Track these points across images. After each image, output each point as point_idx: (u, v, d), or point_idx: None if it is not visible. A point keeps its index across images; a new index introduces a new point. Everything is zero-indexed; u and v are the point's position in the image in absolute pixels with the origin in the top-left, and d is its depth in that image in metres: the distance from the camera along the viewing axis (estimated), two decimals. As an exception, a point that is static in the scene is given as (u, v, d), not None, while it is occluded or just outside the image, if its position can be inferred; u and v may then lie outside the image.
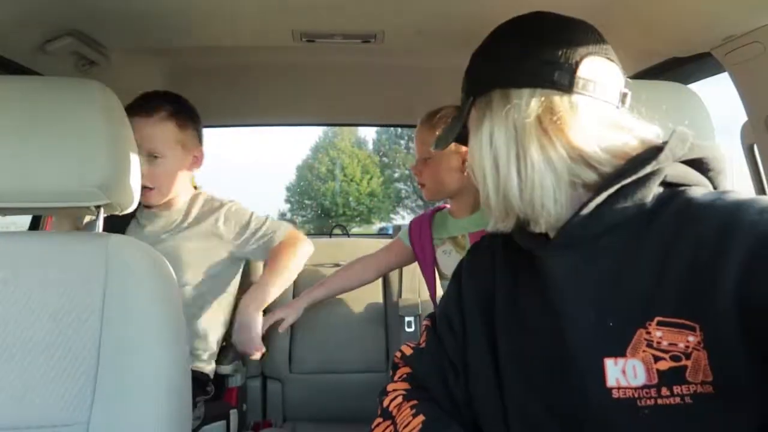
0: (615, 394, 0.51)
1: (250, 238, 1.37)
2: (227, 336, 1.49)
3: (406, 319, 1.77)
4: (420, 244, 1.37)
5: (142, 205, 1.31)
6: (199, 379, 1.30)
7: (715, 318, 0.47)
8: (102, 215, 0.85)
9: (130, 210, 0.89)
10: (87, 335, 0.74)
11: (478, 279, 0.69)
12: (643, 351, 0.50)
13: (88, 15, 1.00)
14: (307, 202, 26.48)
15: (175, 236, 1.30)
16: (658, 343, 0.50)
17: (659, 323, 0.50)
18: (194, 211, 1.35)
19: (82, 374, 0.73)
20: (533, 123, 0.55)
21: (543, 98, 0.56)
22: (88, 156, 0.77)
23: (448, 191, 1.27)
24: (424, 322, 0.76)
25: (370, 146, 27.01)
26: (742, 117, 1.03)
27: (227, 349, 1.59)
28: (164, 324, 0.77)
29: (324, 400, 1.76)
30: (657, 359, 0.50)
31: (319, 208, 25.70)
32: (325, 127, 24.66)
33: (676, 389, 0.49)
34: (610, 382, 0.51)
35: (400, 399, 0.68)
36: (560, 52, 0.56)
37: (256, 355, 1.32)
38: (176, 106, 1.30)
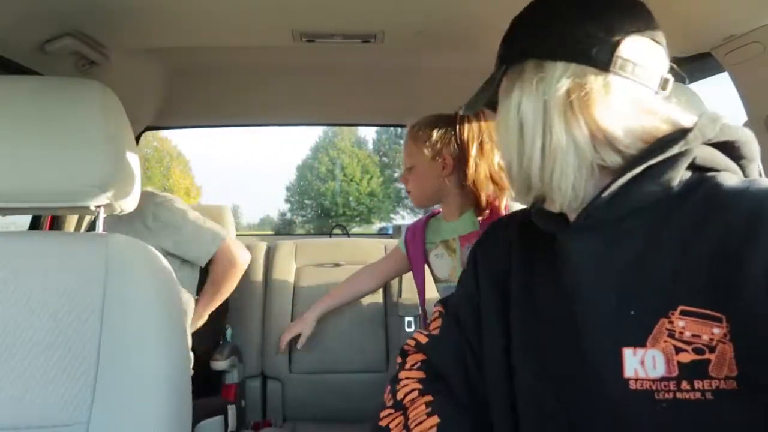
0: (632, 385, 0.49)
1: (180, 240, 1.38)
2: (223, 333, 1.51)
3: (406, 319, 1.77)
4: (413, 248, 1.41)
5: None
6: None
7: (743, 309, 0.45)
8: (102, 215, 0.85)
9: (130, 210, 0.89)
10: (87, 335, 0.74)
11: (493, 263, 0.67)
12: (664, 341, 0.48)
13: (88, 15, 1.00)
14: (307, 202, 26.48)
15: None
16: (681, 333, 0.48)
17: (683, 312, 0.48)
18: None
19: (82, 374, 0.73)
20: (562, 98, 0.53)
21: (577, 73, 0.53)
22: (88, 156, 0.77)
23: (432, 197, 1.31)
24: (436, 308, 0.74)
25: (370, 146, 27.02)
26: (742, 117, 1.03)
27: (223, 345, 1.59)
28: (164, 324, 0.77)
29: (324, 400, 1.76)
30: (678, 351, 0.47)
31: (319, 208, 25.70)
32: (325, 127, 24.66)
33: (697, 384, 0.46)
34: (628, 372, 0.49)
35: (415, 393, 0.65)
36: (602, 28, 0.54)
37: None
38: None
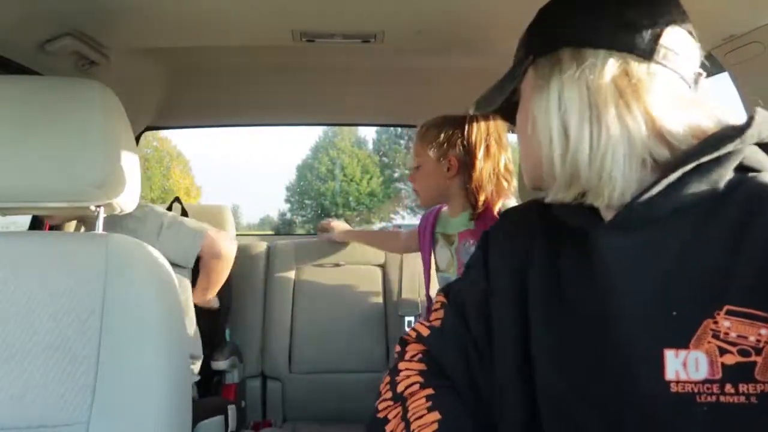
0: (673, 388, 0.47)
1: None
2: (223, 333, 1.52)
3: (406, 319, 1.77)
4: (422, 236, 1.45)
5: None
6: None
7: None
8: (102, 215, 0.85)
9: (130, 210, 0.89)
10: (87, 335, 0.74)
11: (510, 254, 0.64)
12: (708, 342, 0.46)
13: (88, 15, 1.00)
14: (307, 202, 26.48)
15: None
16: (726, 334, 0.46)
17: (728, 312, 0.46)
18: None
19: (82, 374, 0.73)
20: (610, 86, 0.51)
21: (620, 61, 0.51)
22: (88, 156, 0.77)
23: (438, 197, 1.34)
24: (438, 298, 0.71)
25: (370, 146, 27.01)
26: (742, 117, 1.03)
27: (223, 345, 1.59)
28: (164, 324, 0.77)
29: (324, 400, 1.76)
30: (723, 352, 0.46)
31: (319, 208, 25.70)
32: (325, 127, 24.66)
33: (742, 387, 0.45)
34: (669, 375, 0.47)
35: (416, 386, 0.63)
36: (644, 15, 0.52)
37: None
38: None
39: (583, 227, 0.55)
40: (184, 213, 1.65)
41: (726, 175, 0.49)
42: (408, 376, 0.65)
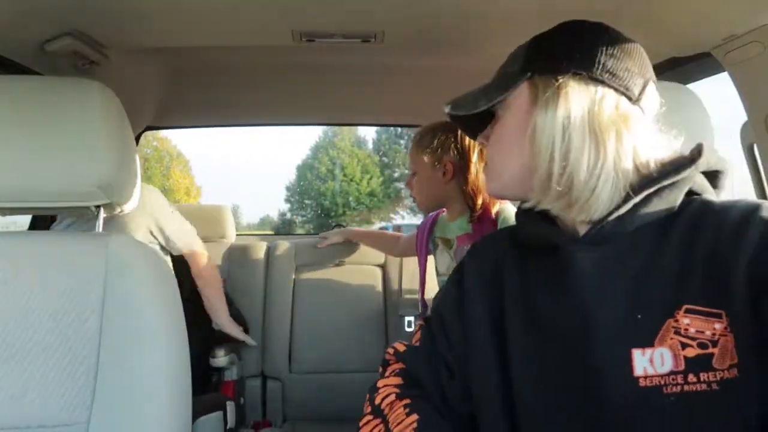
0: (642, 382, 0.53)
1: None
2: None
3: (406, 318, 1.77)
4: (420, 239, 1.48)
5: None
6: None
7: (736, 302, 0.51)
8: (102, 215, 0.85)
9: (130, 210, 0.89)
10: (87, 335, 0.74)
11: (484, 278, 0.69)
12: (671, 338, 0.53)
13: (88, 15, 1.00)
14: (307, 201, 26.47)
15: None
16: (686, 330, 0.52)
17: (687, 311, 0.53)
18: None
19: (82, 374, 0.73)
20: (609, 117, 0.57)
21: (616, 97, 0.58)
22: (88, 156, 0.77)
23: (435, 201, 1.35)
24: (418, 323, 0.77)
25: (370, 146, 27.00)
26: (742, 117, 1.03)
27: (222, 342, 1.59)
28: (164, 324, 0.77)
29: (324, 400, 1.76)
30: (684, 346, 0.52)
31: (319, 208, 25.70)
32: (325, 127, 24.65)
33: (703, 376, 0.51)
34: (638, 371, 0.53)
35: (392, 397, 0.67)
36: (638, 65, 0.60)
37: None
38: None
39: (556, 243, 0.62)
40: None
41: (680, 196, 0.58)
42: (387, 393, 0.69)
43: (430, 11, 1.03)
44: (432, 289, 1.53)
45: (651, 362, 0.53)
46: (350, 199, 25.16)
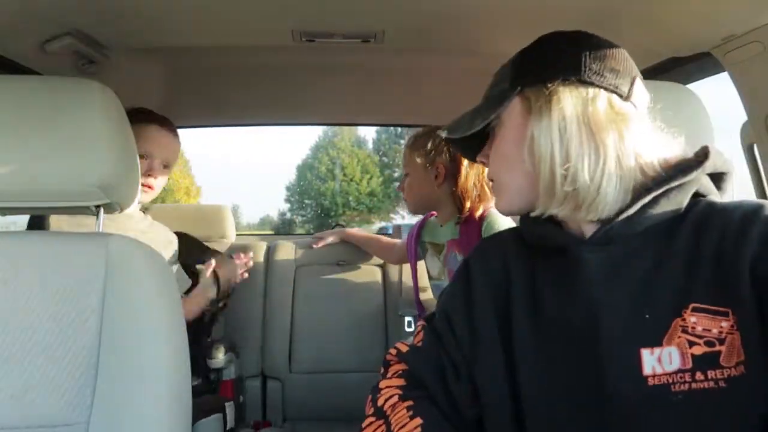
0: (650, 381, 0.53)
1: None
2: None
3: (406, 319, 1.77)
4: (409, 245, 1.51)
5: None
6: None
7: (742, 301, 0.51)
8: (102, 215, 0.85)
9: (130, 209, 0.89)
10: (87, 335, 0.74)
11: (490, 278, 0.69)
12: (678, 337, 0.53)
13: (88, 14, 1.00)
14: (307, 201, 26.47)
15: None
16: (693, 328, 0.53)
17: (694, 309, 0.54)
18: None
19: (82, 374, 0.73)
20: (604, 115, 0.59)
21: (607, 96, 0.60)
22: (88, 156, 0.77)
23: (426, 204, 1.38)
24: (420, 323, 0.76)
25: (370, 146, 27.01)
26: (742, 117, 1.03)
27: (219, 342, 1.59)
28: (164, 324, 0.77)
29: (324, 400, 1.76)
30: (691, 344, 0.53)
31: (319, 207, 25.70)
32: (325, 127, 24.65)
33: (711, 374, 0.52)
34: (646, 370, 0.54)
35: (395, 398, 0.67)
36: (622, 65, 0.62)
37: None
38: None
39: (563, 245, 0.63)
40: (192, 244, 1.62)
41: (687, 198, 0.58)
42: (387, 392, 0.69)
43: (430, 11, 1.03)
44: (426, 292, 1.55)
45: (659, 361, 0.53)
46: (350, 199, 25.16)
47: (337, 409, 1.73)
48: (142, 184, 1.19)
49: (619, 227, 0.58)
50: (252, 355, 1.77)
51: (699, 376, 0.52)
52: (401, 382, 0.70)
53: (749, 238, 0.52)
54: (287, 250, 1.89)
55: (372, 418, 0.68)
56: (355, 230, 1.93)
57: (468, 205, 1.26)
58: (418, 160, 1.30)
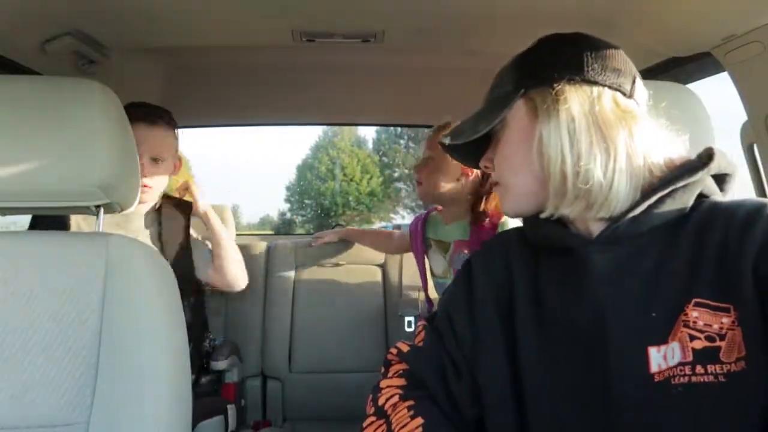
0: (656, 378, 0.54)
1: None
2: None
3: (406, 318, 1.77)
4: (414, 240, 1.47)
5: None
6: None
7: (744, 297, 0.52)
8: (102, 215, 0.85)
9: (130, 209, 0.89)
10: (87, 335, 0.74)
11: (493, 278, 0.69)
12: (680, 332, 0.54)
13: (88, 14, 1.00)
14: (306, 201, 26.46)
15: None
16: (694, 323, 0.54)
17: (696, 304, 0.54)
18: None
19: (82, 374, 0.73)
20: (611, 112, 0.59)
21: (611, 94, 0.60)
22: (88, 156, 0.77)
23: (440, 196, 1.29)
24: (421, 323, 0.76)
25: (370, 146, 26.99)
26: (742, 116, 1.03)
27: (223, 345, 1.59)
28: (164, 324, 0.77)
29: (324, 400, 1.76)
30: (692, 338, 0.53)
31: (319, 207, 25.69)
32: (325, 127, 24.63)
33: (711, 368, 0.52)
34: (654, 368, 0.55)
35: (396, 398, 0.67)
36: (623, 64, 0.63)
37: None
38: (170, 117, 1.35)
39: (569, 245, 0.63)
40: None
41: (692, 198, 0.59)
42: (388, 392, 0.69)
43: (430, 11, 1.03)
44: (431, 289, 1.54)
45: (665, 358, 0.54)
46: (350, 199, 25.15)
47: (337, 409, 1.73)
48: None
49: (625, 227, 0.59)
50: (252, 355, 1.77)
51: (699, 369, 0.52)
52: (402, 381, 0.70)
53: (752, 237, 0.53)
54: (287, 250, 1.89)
55: (373, 418, 0.68)
56: (353, 228, 1.94)
57: (492, 205, 1.21)
58: None
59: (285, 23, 1.08)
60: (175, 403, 0.75)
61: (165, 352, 0.76)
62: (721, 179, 0.63)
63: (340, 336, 1.79)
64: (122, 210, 0.87)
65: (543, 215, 0.64)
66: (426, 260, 1.47)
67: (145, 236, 1.34)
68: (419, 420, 0.63)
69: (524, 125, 0.63)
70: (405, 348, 0.74)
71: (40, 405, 0.72)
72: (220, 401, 1.43)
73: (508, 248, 0.71)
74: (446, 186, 1.26)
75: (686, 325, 0.54)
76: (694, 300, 0.54)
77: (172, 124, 1.35)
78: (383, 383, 0.71)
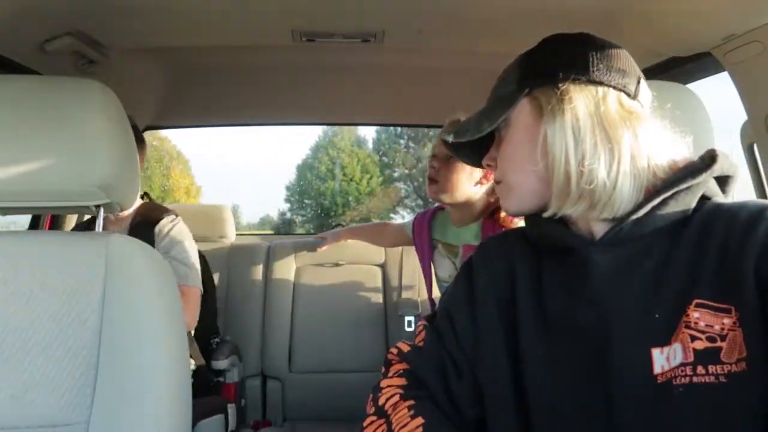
0: (659, 379, 0.54)
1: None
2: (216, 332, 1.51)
3: (406, 318, 1.77)
4: (419, 240, 1.43)
5: None
6: None
7: (745, 298, 0.52)
8: (102, 215, 0.85)
9: (130, 209, 0.89)
10: (87, 335, 0.74)
11: (494, 277, 0.69)
12: (682, 332, 0.54)
13: (88, 14, 1.00)
14: (306, 201, 26.45)
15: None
16: (696, 323, 0.54)
17: (697, 305, 0.54)
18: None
19: (82, 374, 0.73)
20: (616, 112, 0.59)
21: (616, 94, 0.60)
22: (88, 156, 0.77)
23: (456, 198, 1.26)
24: (421, 323, 0.76)
25: (370, 146, 26.98)
26: (742, 116, 1.03)
27: (223, 344, 1.59)
28: (164, 324, 0.77)
29: (324, 400, 1.76)
30: (693, 339, 0.53)
31: (319, 207, 25.69)
32: (325, 127, 24.63)
33: (712, 368, 0.52)
34: (657, 369, 0.55)
35: (396, 398, 0.67)
36: (627, 65, 0.63)
37: None
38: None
39: (570, 245, 0.62)
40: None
41: (695, 200, 0.59)
42: (388, 392, 0.68)
43: (431, 11, 1.03)
44: (434, 290, 1.53)
45: (668, 359, 0.54)
46: (350, 198, 25.15)
47: (337, 409, 1.73)
48: None
49: (628, 229, 0.59)
50: (252, 354, 1.77)
51: (700, 369, 0.52)
52: (402, 381, 0.70)
53: (754, 238, 0.53)
54: (287, 250, 1.89)
55: (373, 418, 0.68)
56: (350, 227, 1.94)
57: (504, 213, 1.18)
58: None
59: (285, 23, 1.08)
60: (175, 402, 0.75)
61: (165, 352, 0.76)
62: (722, 181, 0.63)
63: (340, 336, 1.79)
64: (122, 210, 0.87)
65: (545, 214, 0.63)
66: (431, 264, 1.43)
67: None
68: (419, 420, 0.63)
69: (528, 124, 0.63)
70: (405, 348, 0.74)
71: (40, 405, 0.72)
72: (221, 400, 1.43)
73: (509, 248, 0.71)
74: (466, 188, 1.23)
75: (687, 326, 0.54)
76: (696, 301, 0.54)
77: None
78: (383, 383, 0.71)
